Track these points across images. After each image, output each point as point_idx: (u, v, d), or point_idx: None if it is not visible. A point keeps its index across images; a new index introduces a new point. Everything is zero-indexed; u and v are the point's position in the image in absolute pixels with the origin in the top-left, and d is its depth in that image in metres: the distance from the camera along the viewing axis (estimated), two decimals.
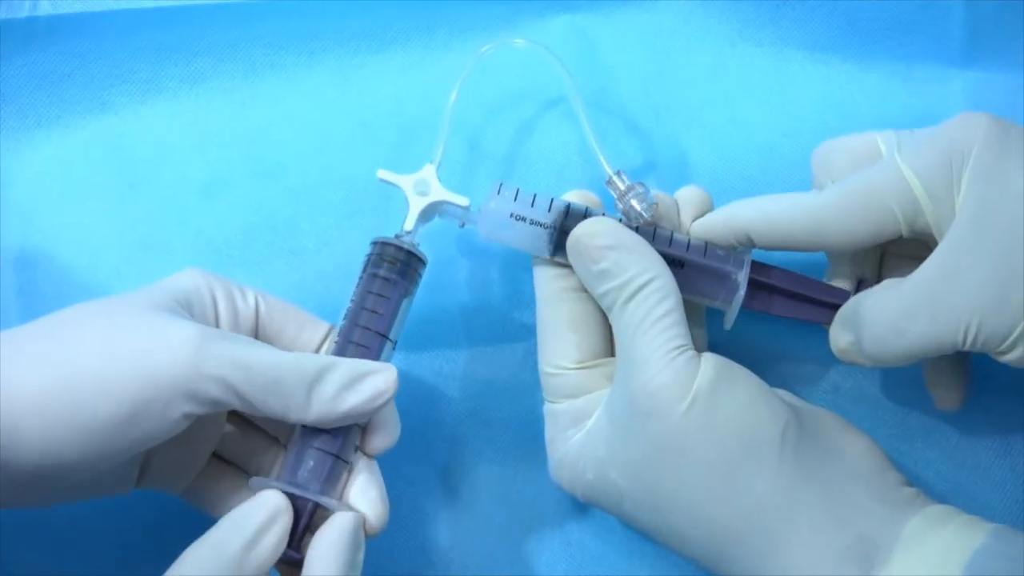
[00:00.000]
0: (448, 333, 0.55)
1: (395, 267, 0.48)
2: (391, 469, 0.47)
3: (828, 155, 0.51)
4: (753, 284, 0.50)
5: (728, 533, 0.46)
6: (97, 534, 0.52)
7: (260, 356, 0.43)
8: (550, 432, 0.50)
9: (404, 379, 0.46)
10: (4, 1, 0.55)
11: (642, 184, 0.50)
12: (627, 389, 0.46)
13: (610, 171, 0.51)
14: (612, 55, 0.59)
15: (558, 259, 0.50)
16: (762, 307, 0.51)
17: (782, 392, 0.51)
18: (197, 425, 0.44)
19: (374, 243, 0.48)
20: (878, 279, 0.51)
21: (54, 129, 0.56)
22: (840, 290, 0.51)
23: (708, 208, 0.52)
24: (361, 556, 0.43)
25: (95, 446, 0.41)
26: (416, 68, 0.58)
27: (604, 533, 0.54)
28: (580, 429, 0.49)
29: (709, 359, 0.47)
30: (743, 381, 0.47)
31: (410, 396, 0.53)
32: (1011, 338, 0.44)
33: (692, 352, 0.46)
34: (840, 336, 0.49)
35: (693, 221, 0.51)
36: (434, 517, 0.54)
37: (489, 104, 0.57)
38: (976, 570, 0.43)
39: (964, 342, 0.45)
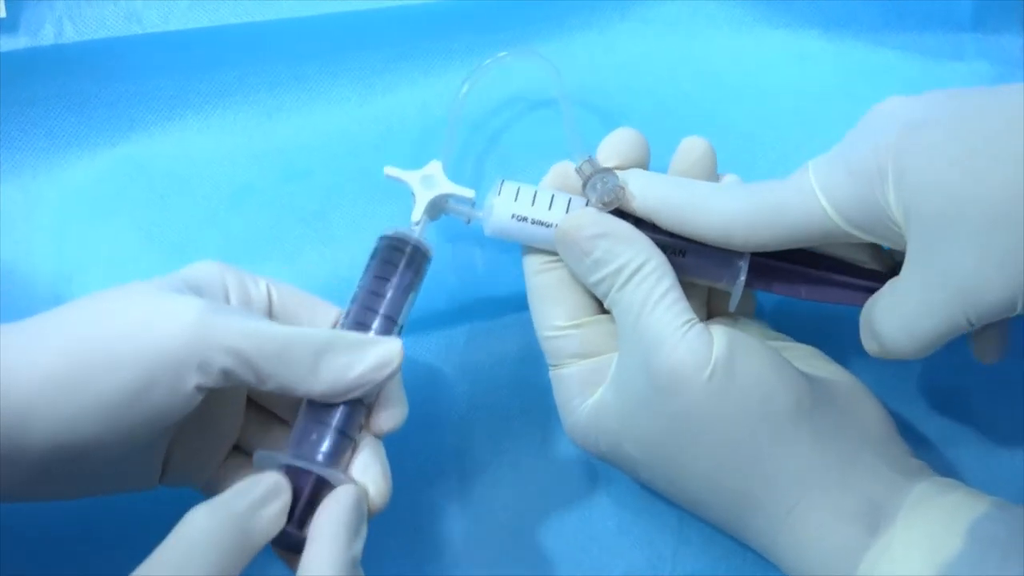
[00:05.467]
0: (449, 319, 0.56)
1: (400, 256, 0.47)
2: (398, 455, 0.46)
3: None
4: (767, 268, 0.50)
5: (743, 500, 0.47)
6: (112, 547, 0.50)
7: (267, 327, 0.43)
8: (559, 398, 0.50)
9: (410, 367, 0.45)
10: (29, 28, 0.57)
11: (608, 170, 0.49)
12: (640, 368, 0.46)
13: (578, 158, 0.50)
14: (631, 51, 0.59)
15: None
16: (766, 287, 0.50)
17: (809, 348, 0.51)
18: (217, 408, 0.44)
19: (381, 238, 0.48)
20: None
21: (84, 149, 0.57)
22: (863, 269, 0.50)
23: (639, 158, 0.50)
24: (364, 531, 0.42)
25: (107, 422, 0.40)
26: (438, 72, 0.59)
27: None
28: (587, 397, 0.49)
29: (720, 331, 0.46)
30: (756, 351, 0.47)
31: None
32: (1020, 305, 0.43)
33: (701, 325, 0.46)
34: (869, 342, 0.49)
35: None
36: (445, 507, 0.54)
37: (495, 107, 0.58)
38: (979, 535, 0.43)
39: (971, 324, 0.44)
